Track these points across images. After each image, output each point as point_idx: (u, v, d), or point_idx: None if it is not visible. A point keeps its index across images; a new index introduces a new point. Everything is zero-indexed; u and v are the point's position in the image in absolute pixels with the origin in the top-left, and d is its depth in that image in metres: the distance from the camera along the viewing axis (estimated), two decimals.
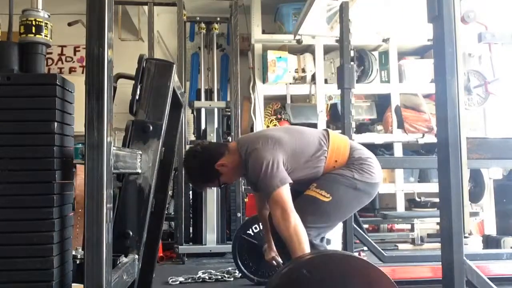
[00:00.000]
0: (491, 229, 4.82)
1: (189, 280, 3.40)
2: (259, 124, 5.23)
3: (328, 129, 2.42)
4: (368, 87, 5.41)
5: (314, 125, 5.17)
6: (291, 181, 2.11)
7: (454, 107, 1.64)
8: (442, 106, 1.66)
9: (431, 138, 5.18)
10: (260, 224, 2.84)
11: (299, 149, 2.22)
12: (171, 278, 3.39)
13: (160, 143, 1.72)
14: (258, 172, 2.10)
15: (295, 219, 1.99)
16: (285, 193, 2.06)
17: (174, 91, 1.85)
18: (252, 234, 3.16)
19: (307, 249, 1.95)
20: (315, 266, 1.58)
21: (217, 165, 2.26)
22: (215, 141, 4.50)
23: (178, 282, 3.37)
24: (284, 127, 2.32)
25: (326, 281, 1.55)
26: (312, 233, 2.13)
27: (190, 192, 4.72)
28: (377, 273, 1.58)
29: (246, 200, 4.84)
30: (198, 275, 3.45)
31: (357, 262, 1.63)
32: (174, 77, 1.80)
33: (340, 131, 3.25)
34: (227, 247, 4.44)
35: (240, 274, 3.26)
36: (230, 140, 4.92)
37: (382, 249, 3.32)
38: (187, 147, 5.06)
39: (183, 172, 3.47)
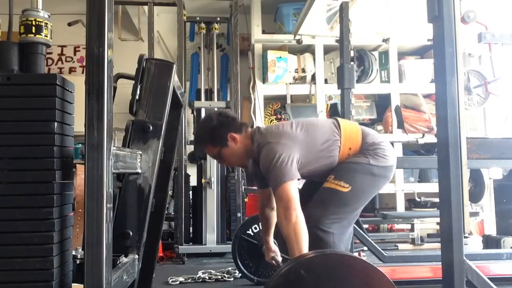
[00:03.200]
0: (491, 229, 4.83)
1: (189, 280, 3.40)
2: (259, 124, 5.23)
3: (338, 118, 2.43)
4: (368, 87, 5.41)
5: None
6: (299, 177, 2.12)
7: (454, 107, 1.65)
8: (442, 106, 1.66)
9: (431, 138, 5.18)
10: (260, 224, 2.84)
11: (312, 142, 2.23)
12: (171, 278, 3.39)
13: (160, 143, 1.72)
14: (269, 163, 2.10)
15: (297, 217, 1.99)
16: (291, 188, 2.06)
17: (174, 91, 1.85)
18: (252, 234, 3.16)
19: (305, 248, 1.95)
20: (314, 266, 1.58)
21: (230, 135, 2.26)
22: None
23: (178, 282, 3.37)
24: (297, 122, 2.32)
25: (324, 282, 1.55)
26: (335, 230, 2.13)
27: (190, 192, 4.72)
28: (376, 273, 1.58)
29: (246, 200, 4.84)
30: (198, 275, 3.45)
31: (356, 262, 1.63)
32: (174, 77, 1.80)
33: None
34: (227, 247, 4.44)
35: (240, 274, 3.26)
36: None
37: (382, 249, 3.32)
38: (188, 147, 5.08)
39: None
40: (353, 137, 2.28)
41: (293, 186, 2.07)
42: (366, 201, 2.37)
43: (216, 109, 4.64)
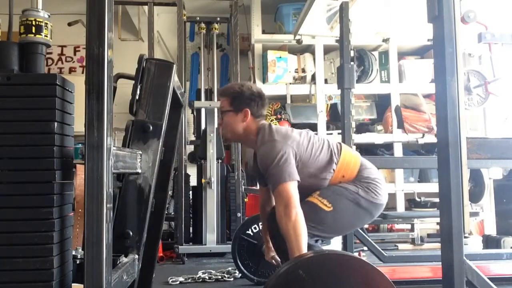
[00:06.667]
0: (491, 229, 4.82)
1: (189, 280, 3.40)
2: None
3: (343, 144, 2.42)
4: (368, 87, 5.41)
5: (314, 125, 5.17)
6: (299, 180, 2.11)
7: (454, 107, 1.64)
8: (442, 106, 1.66)
9: (431, 138, 5.18)
10: (260, 223, 2.84)
11: (312, 159, 2.22)
12: (171, 278, 3.39)
13: (160, 143, 1.72)
14: (271, 161, 2.10)
15: (296, 215, 1.99)
16: (292, 188, 2.06)
17: (174, 91, 1.85)
18: (252, 234, 3.16)
19: (304, 246, 1.95)
20: (312, 266, 1.57)
21: (246, 110, 2.27)
22: (215, 142, 4.51)
23: (178, 282, 3.37)
24: (307, 134, 2.32)
25: (323, 282, 1.55)
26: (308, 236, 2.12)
27: (190, 192, 4.72)
28: (375, 272, 1.58)
29: (246, 200, 4.84)
30: (198, 275, 3.44)
31: (354, 262, 1.63)
32: (174, 77, 1.80)
33: (340, 131, 3.24)
34: (227, 247, 4.44)
35: (240, 274, 3.26)
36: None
37: (382, 249, 3.32)
38: (188, 147, 5.08)
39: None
40: (350, 167, 2.28)
41: (294, 186, 2.07)
42: (341, 230, 2.37)
43: (216, 109, 4.65)
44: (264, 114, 2.38)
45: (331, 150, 2.28)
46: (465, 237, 2.03)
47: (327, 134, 5.24)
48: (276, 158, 2.10)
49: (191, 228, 4.67)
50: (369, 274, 1.57)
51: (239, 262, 3.16)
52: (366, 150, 5.14)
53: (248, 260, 3.16)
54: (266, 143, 2.18)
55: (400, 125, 5.25)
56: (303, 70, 5.41)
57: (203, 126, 4.94)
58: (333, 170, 2.25)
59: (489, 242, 4.14)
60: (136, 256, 1.67)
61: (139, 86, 1.69)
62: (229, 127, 2.33)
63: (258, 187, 2.58)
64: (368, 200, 2.22)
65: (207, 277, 3.44)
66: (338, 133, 4.76)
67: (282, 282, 1.56)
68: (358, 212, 2.22)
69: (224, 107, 2.33)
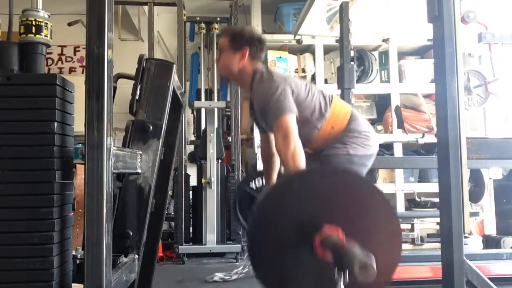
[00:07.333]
0: (491, 229, 4.82)
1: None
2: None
3: (334, 95, 2.45)
4: (368, 87, 5.40)
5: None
6: (297, 114, 2.15)
7: (454, 107, 1.65)
8: (442, 106, 1.66)
9: (431, 138, 5.18)
10: (262, 167, 2.81)
11: (306, 103, 2.26)
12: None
13: (160, 143, 1.72)
14: (269, 96, 2.14)
15: (295, 145, 2.04)
16: (290, 119, 2.10)
17: (174, 91, 1.85)
18: (254, 188, 3.11)
19: None
20: (304, 180, 1.55)
21: (245, 49, 2.30)
22: (215, 142, 4.51)
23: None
24: (305, 82, 2.38)
25: (314, 194, 1.51)
26: None
27: (190, 192, 4.72)
28: (369, 186, 1.56)
29: None
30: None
31: (349, 176, 1.62)
32: (174, 77, 1.80)
33: None
34: (227, 247, 4.45)
35: None
36: (230, 140, 4.93)
37: None
38: (188, 147, 5.08)
39: None
40: (340, 118, 2.32)
41: (292, 118, 2.11)
42: None
43: (216, 109, 4.64)
44: (262, 59, 2.39)
45: (324, 97, 2.32)
46: (465, 237, 2.03)
47: None
48: (274, 93, 2.13)
49: (191, 228, 4.67)
50: (363, 188, 1.55)
51: (240, 216, 3.09)
52: None
53: (249, 212, 3.09)
54: (265, 81, 2.21)
55: (400, 125, 5.25)
56: (303, 70, 5.41)
57: (203, 126, 4.94)
58: (325, 118, 2.28)
59: (489, 242, 4.13)
60: (136, 256, 1.67)
61: (139, 86, 1.69)
62: (225, 65, 2.36)
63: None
64: (358, 155, 2.26)
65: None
66: None
67: (274, 194, 1.53)
68: (353, 168, 2.26)
69: (223, 45, 2.35)
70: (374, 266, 1.22)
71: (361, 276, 1.22)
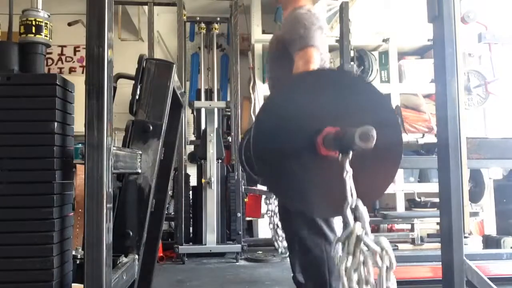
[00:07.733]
0: (491, 229, 4.82)
1: None
2: None
3: None
4: None
5: None
6: (322, 52, 2.07)
7: (454, 107, 1.64)
8: (442, 106, 1.66)
9: (431, 138, 5.17)
10: None
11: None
12: None
13: (160, 143, 1.72)
14: (306, 23, 2.03)
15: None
16: (316, 55, 2.00)
17: (174, 91, 1.85)
18: None
19: None
20: (306, 80, 1.51)
21: None
22: (215, 142, 4.50)
23: None
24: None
25: (315, 93, 1.43)
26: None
27: (190, 192, 4.72)
28: (369, 87, 1.51)
29: (246, 200, 4.83)
30: None
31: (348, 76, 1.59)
32: (174, 77, 1.80)
33: None
34: (227, 247, 4.45)
35: None
36: (230, 140, 4.92)
37: None
38: (188, 147, 5.08)
39: None
40: None
41: (318, 56, 2.01)
42: None
43: (216, 109, 4.64)
44: (316, 3, 2.32)
45: None
46: (465, 237, 2.02)
47: None
48: (312, 24, 2.04)
49: (191, 228, 4.67)
50: (364, 87, 1.48)
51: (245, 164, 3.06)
52: None
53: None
54: (310, 14, 2.10)
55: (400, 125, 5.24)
56: None
57: (203, 126, 4.94)
58: None
59: (489, 242, 4.14)
60: (136, 256, 1.67)
61: (139, 86, 1.69)
62: None
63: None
64: None
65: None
66: None
67: (282, 94, 1.47)
68: None
69: None
70: (374, 132, 1.18)
71: (362, 142, 1.18)
